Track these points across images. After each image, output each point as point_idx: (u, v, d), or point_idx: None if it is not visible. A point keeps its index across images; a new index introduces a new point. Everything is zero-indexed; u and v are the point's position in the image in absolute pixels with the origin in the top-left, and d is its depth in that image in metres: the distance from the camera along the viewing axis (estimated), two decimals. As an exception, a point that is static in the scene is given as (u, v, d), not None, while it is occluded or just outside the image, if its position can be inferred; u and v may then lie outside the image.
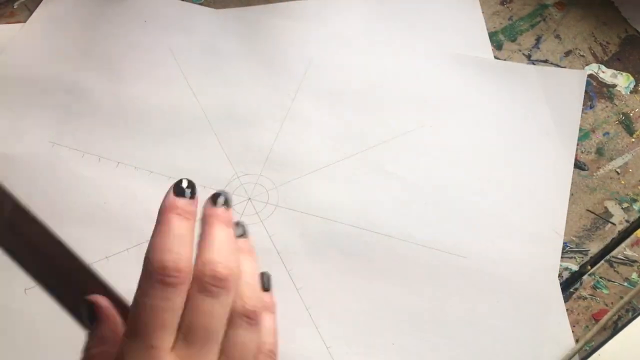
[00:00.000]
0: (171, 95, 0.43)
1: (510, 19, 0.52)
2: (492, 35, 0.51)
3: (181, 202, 0.26)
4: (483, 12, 0.52)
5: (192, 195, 0.27)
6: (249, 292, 0.27)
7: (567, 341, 0.38)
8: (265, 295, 0.29)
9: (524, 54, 0.50)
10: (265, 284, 0.29)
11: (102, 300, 0.26)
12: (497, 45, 0.51)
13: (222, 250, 0.26)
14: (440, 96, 0.48)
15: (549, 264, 0.41)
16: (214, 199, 0.28)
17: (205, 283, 0.25)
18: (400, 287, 0.40)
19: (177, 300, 0.24)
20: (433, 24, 0.51)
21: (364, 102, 0.47)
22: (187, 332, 0.25)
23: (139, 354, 0.24)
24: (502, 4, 0.53)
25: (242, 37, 0.50)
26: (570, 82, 0.48)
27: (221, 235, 0.27)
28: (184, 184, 0.27)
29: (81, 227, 0.41)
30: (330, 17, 0.52)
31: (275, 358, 0.28)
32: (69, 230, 0.41)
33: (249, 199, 0.43)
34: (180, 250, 0.25)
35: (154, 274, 0.24)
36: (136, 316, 0.24)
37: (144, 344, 0.24)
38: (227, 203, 0.28)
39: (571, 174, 0.44)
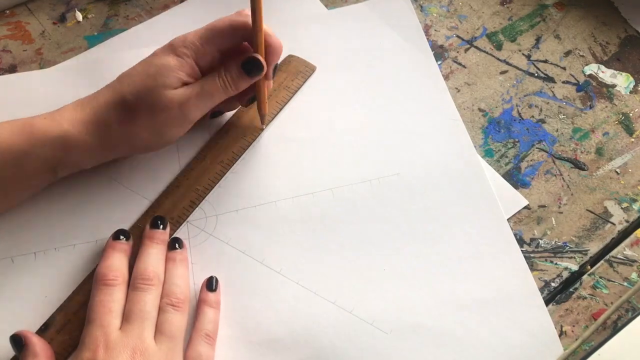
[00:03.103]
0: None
1: (510, 19, 0.52)
2: (492, 35, 0.51)
3: (117, 243, 0.39)
4: (483, 13, 0.52)
5: (128, 239, 0.40)
6: (174, 288, 0.38)
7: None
8: (209, 294, 0.39)
9: (523, 54, 0.50)
10: (210, 285, 0.39)
11: (25, 332, 0.36)
12: (497, 45, 0.51)
13: (150, 261, 0.38)
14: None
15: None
16: (152, 222, 0.40)
17: (136, 282, 0.37)
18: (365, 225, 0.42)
19: (116, 294, 0.36)
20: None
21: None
22: (127, 315, 0.36)
23: (94, 332, 0.35)
24: (502, 4, 0.53)
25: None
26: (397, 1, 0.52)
27: (152, 251, 0.39)
28: (121, 236, 0.40)
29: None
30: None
31: (213, 341, 0.38)
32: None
33: (187, 222, 0.42)
34: (115, 265, 0.38)
35: (99, 281, 0.37)
36: (90, 309, 0.36)
37: (97, 324, 0.35)
38: (162, 226, 0.41)
39: (439, 72, 0.49)
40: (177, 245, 0.40)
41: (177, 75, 0.38)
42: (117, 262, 0.38)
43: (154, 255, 0.39)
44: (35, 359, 0.35)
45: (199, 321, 0.38)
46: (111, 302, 0.36)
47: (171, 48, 0.39)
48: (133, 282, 0.38)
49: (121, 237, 0.40)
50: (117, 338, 0.35)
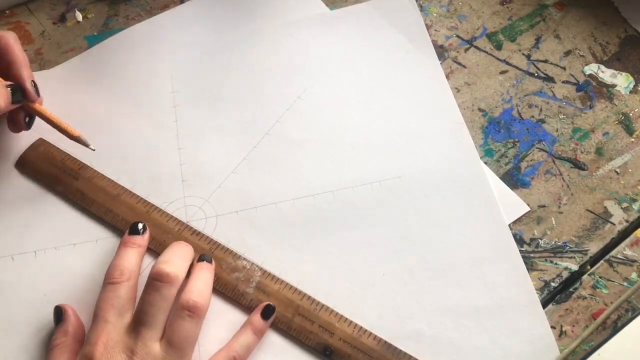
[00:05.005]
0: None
1: (509, 19, 0.52)
2: (492, 35, 0.51)
3: (131, 238, 0.39)
4: (483, 12, 0.52)
5: (144, 232, 0.39)
6: (196, 290, 0.35)
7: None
8: (260, 320, 0.37)
9: (523, 54, 0.50)
10: (265, 313, 0.37)
11: (67, 307, 0.38)
12: (497, 45, 0.51)
13: (171, 256, 0.36)
14: (307, 62, 0.49)
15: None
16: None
17: (151, 280, 0.35)
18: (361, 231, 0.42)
19: (121, 291, 0.35)
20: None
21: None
22: (136, 316, 0.35)
23: (98, 327, 0.34)
24: (501, 4, 0.53)
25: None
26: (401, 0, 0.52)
27: (176, 248, 0.38)
28: (139, 226, 0.39)
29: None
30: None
31: None
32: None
33: (187, 222, 0.42)
34: (123, 263, 0.37)
35: (105, 280, 0.36)
36: (96, 307, 0.35)
37: (101, 319, 0.34)
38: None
39: (443, 74, 0.49)
40: (204, 260, 0.39)
41: None
42: (123, 261, 0.37)
43: (176, 251, 0.37)
44: (64, 338, 0.36)
45: (235, 339, 0.36)
46: (114, 298, 0.35)
47: None
48: (149, 279, 0.35)
49: (138, 227, 0.39)
50: (118, 336, 0.34)
